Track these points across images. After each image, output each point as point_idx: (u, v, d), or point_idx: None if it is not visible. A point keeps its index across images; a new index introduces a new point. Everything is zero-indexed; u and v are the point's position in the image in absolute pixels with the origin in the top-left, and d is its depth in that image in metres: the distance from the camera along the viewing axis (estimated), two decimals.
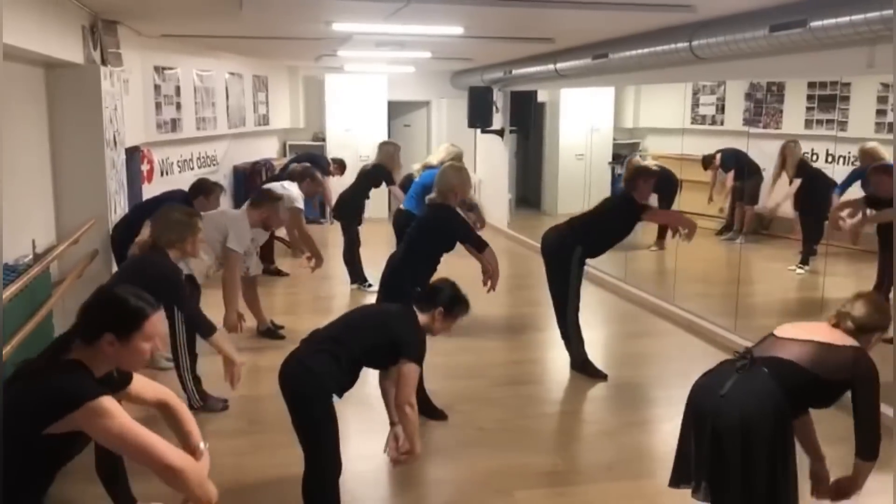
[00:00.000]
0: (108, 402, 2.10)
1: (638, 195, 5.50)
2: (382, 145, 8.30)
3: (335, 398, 3.34)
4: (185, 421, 2.62)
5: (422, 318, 3.56)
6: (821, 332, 3.00)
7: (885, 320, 3.05)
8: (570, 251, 5.47)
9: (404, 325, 3.48)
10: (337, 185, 8.77)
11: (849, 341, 2.95)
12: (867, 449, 2.98)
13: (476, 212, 7.12)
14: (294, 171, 7.61)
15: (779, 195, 9.01)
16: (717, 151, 9.96)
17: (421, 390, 4.88)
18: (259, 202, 5.69)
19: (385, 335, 3.44)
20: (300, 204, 6.73)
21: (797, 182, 8.51)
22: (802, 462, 3.11)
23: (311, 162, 9.21)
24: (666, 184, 9.76)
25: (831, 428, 3.37)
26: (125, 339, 2.21)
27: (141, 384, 2.53)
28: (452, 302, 3.61)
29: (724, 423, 2.85)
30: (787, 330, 3.04)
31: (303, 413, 3.32)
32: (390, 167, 8.00)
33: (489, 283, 5.13)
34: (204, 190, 5.89)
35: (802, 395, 2.93)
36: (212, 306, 5.63)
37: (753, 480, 2.83)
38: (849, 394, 2.98)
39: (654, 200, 9.55)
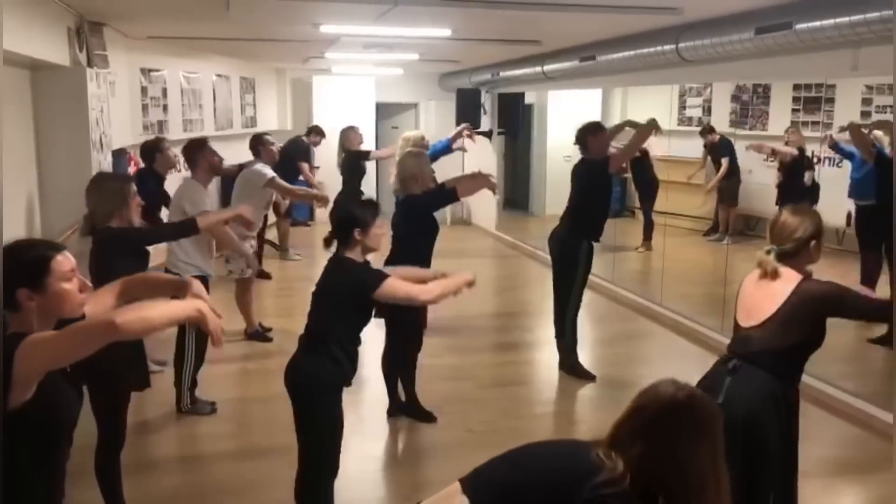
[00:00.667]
0: (34, 335, 2.01)
1: (595, 152, 5.46)
2: (340, 133, 8.59)
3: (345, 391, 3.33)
4: (149, 279, 2.61)
5: (351, 253, 3.38)
6: (766, 296, 2.89)
7: (811, 225, 2.88)
8: (576, 248, 5.50)
9: (345, 270, 3.35)
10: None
11: (790, 284, 2.84)
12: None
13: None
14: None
15: None
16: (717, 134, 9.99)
17: (410, 393, 4.88)
18: (191, 160, 5.31)
19: (340, 292, 3.34)
20: (269, 172, 6.41)
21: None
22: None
23: (292, 144, 9.59)
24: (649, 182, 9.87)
25: (827, 434, 3.38)
26: (41, 289, 2.09)
27: (95, 309, 2.35)
28: (356, 217, 3.37)
29: (726, 429, 2.84)
30: (744, 315, 2.99)
31: (305, 415, 3.30)
32: (353, 146, 8.34)
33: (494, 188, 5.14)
34: (157, 148, 5.81)
35: (794, 363, 2.91)
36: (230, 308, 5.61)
37: (760, 481, 2.84)
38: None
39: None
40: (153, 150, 5.76)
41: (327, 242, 3.49)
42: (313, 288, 3.42)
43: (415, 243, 4.68)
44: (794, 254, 2.86)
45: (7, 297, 2.07)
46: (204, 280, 5.03)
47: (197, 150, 5.13)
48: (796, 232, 2.86)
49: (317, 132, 10.06)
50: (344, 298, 3.32)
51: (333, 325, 3.32)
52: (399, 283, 3.30)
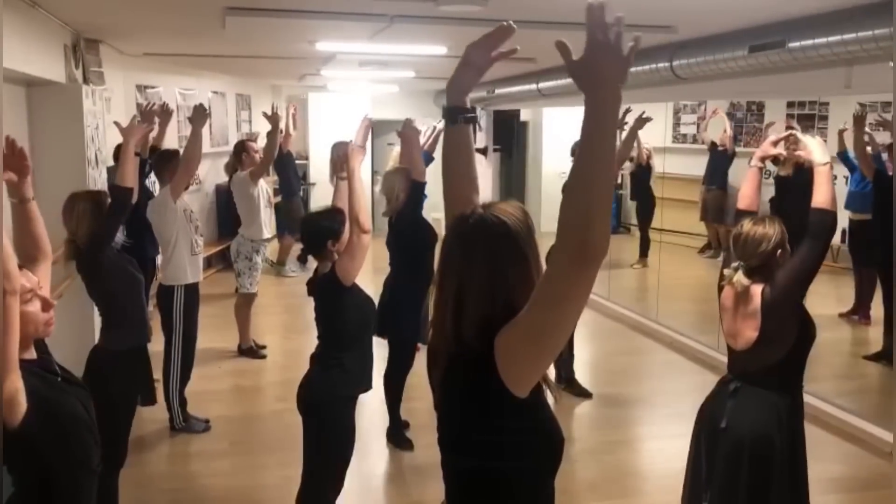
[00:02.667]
0: None
1: None
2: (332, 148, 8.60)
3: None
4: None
5: (323, 265, 3.32)
6: (745, 323, 2.85)
7: (774, 234, 2.81)
8: None
9: (324, 289, 3.30)
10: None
11: (757, 299, 2.80)
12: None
13: None
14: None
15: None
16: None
17: (395, 419, 4.83)
18: (160, 173, 5.36)
19: (327, 310, 3.32)
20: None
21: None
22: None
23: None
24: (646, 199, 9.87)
25: (824, 452, 3.37)
26: None
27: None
28: (328, 228, 3.30)
29: (730, 457, 2.85)
30: (732, 340, 2.97)
31: (316, 430, 3.27)
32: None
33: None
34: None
35: (793, 370, 2.88)
36: (221, 328, 5.58)
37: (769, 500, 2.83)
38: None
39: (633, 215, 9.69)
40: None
41: (303, 259, 3.50)
42: (309, 305, 3.40)
43: (416, 257, 4.63)
44: (760, 267, 2.82)
45: None
46: (195, 290, 5.00)
47: (163, 164, 5.22)
48: (761, 245, 2.80)
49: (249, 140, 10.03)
50: (332, 312, 3.29)
51: (333, 335, 3.32)
52: (344, 256, 3.21)
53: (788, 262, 2.79)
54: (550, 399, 1.73)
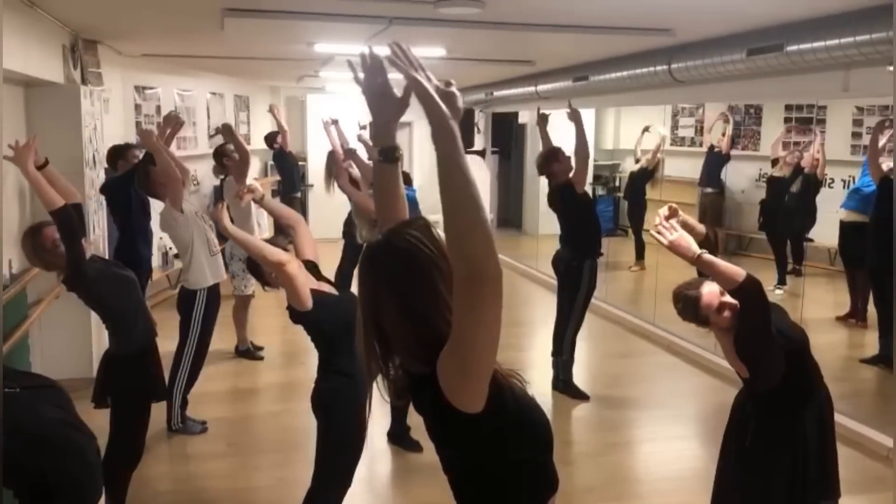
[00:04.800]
0: None
1: (563, 176, 5.58)
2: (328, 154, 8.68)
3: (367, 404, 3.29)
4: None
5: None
6: (731, 357, 2.96)
7: (699, 292, 2.97)
8: (580, 268, 5.56)
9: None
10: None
11: (724, 320, 2.91)
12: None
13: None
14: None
15: None
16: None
17: (401, 422, 4.83)
18: (144, 184, 5.26)
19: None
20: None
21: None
22: None
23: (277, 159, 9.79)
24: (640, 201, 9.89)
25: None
26: None
27: None
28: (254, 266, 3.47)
29: (759, 471, 2.93)
30: (726, 357, 3.05)
31: (325, 431, 3.26)
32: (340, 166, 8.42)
33: None
34: (120, 154, 5.74)
35: (798, 377, 2.93)
36: (219, 329, 5.57)
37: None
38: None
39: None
40: (116, 156, 5.77)
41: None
42: None
43: None
44: (699, 316, 2.99)
45: None
46: (216, 294, 5.02)
47: (145, 179, 5.18)
48: (693, 306, 2.98)
49: (275, 136, 10.14)
50: (310, 329, 3.30)
51: (320, 343, 3.33)
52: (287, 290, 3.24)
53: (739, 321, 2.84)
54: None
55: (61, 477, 2.21)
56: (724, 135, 9.70)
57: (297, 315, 3.20)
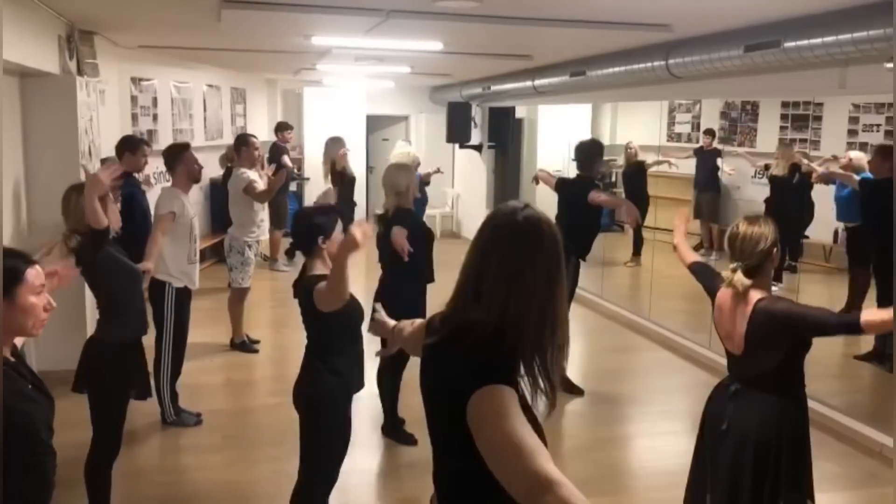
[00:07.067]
0: None
1: (593, 173, 5.69)
2: (325, 143, 8.91)
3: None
4: None
5: (315, 262, 3.25)
6: (735, 324, 2.89)
7: (770, 233, 2.85)
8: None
9: (307, 287, 3.20)
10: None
11: (749, 307, 2.84)
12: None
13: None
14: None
15: None
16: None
17: (393, 416, 4.84)
18: (170, 166, 5.21)
19: (309, 309, 3.23)
20: (248, 177, 6.39)
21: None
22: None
23: (272, 151, 9.73)
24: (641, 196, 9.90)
25: (814, 451, 3.37)
26: (9, 298, 2.04)
27: None
28: (319, 225, 3.25)
29: (733, 457, 2.88)
30: (727, 342, 3.00)
31: (311, 428, 3.26)
32: (338, 158, 8.64)
33: None
34: (130, 146, 5.72)
35: (790, 374, 2.89)
36: (214, 322, 5.57)
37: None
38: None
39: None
40: (124, 148, 5.75)
41: (290, 254, 3.44)
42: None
43: (414, 256, 4.53)
44: (758, 266, 2.84)
45: None
46: (187, 292, 5.01)
47: (175, 157, 5.09)
48: (759, 244, 2.82)
49: (283, 127, 10.19)
50: (313, 313, 3.22)
51: (319, 340, 3.29)
52: (324, 292, 3.11)
53: (808, 311, 2.75)
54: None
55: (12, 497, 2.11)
56: (707, 134, 9.87)
57: (308, 299, 3.14)
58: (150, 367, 4.82)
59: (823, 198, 7.75)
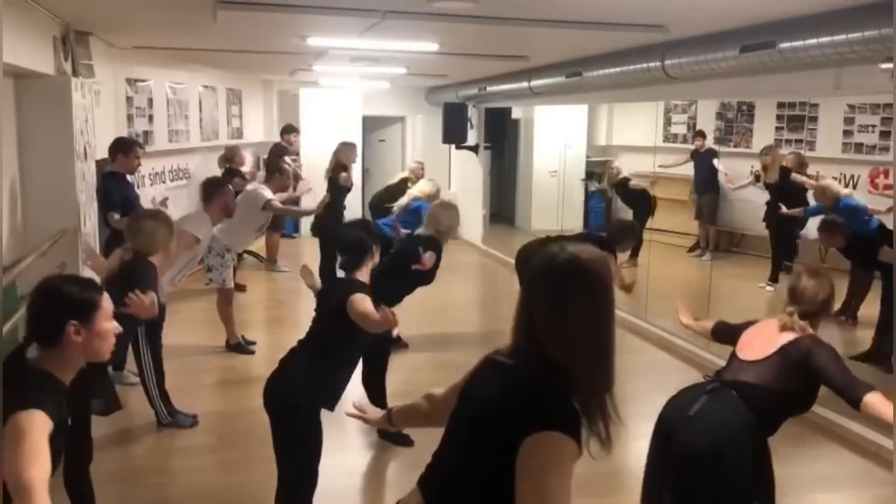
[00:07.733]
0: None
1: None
2: (337, 148, 8.81)
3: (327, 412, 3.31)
4: None
5: (360, 274, 3.45)
6: (768, 340, 3.04)
7: (828, 286, 3.11)
8: None
9: (348, 289, 3.35)
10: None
11: (793, 334, 3.01)
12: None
13: None
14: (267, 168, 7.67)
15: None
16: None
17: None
18: (207, 196, 5.45)
19: (334, 305, 3.33)
20: (267, 194, 6.64)
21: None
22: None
23: (273, 152, 9.92)
24: (641, 201, 9.88)
25: (804, 451, 3.39)
26: (89, 324, 2.10)
27: None
28: (368, 243, 3.47)
29: (690, 446, 2.93)
30: (746, 349, 3.09)
31: (287, 432, 3.28)
32: (345, 163, 8.62)
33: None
34: (123, 147, 5.71)
35: (776, 411, 2.99)
36: (209, 323, 5.58)
37: None
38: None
39: (628, 215, 9.73)
40: (117, 149, 5.77)
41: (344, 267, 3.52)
42: (300, 300, 3.40)
43: (408, 283, 5.09)
44: (814, 314, 3.07)
45: (52, 328, 2.08)
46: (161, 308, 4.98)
47: (216, 189, 5.20)
48: (818, 295, 3.07)
49: (289, 130, 10.29)
50: (336, 312, 3.30)
51: (322, 339, 3.31)
52: (366, 300, 3.27)
53: (835, 362, 2.93)
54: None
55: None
56: (698, 135, 9.93)
57: (336, 306, 3.28)
58: (136, 377, 4.85)
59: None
